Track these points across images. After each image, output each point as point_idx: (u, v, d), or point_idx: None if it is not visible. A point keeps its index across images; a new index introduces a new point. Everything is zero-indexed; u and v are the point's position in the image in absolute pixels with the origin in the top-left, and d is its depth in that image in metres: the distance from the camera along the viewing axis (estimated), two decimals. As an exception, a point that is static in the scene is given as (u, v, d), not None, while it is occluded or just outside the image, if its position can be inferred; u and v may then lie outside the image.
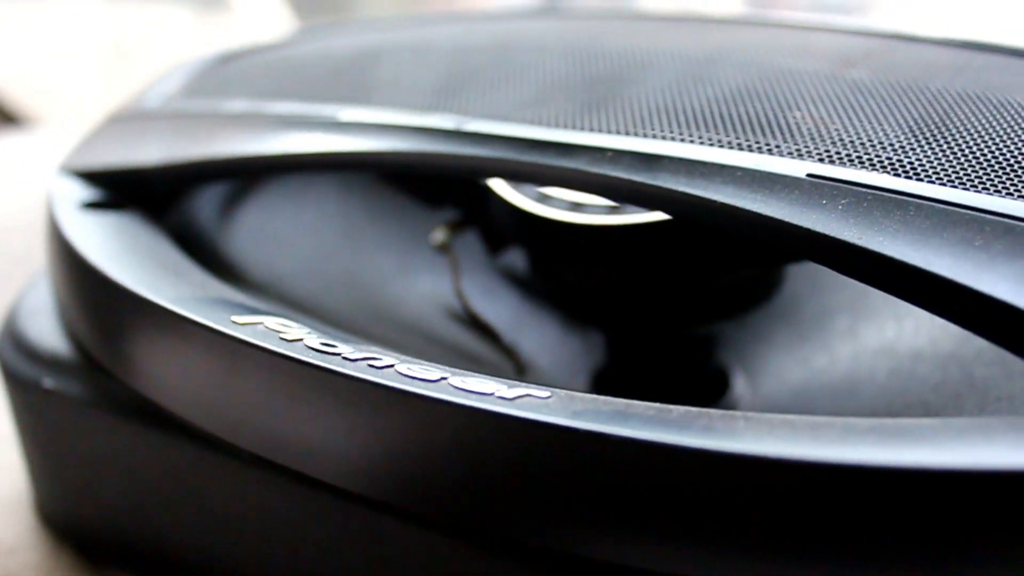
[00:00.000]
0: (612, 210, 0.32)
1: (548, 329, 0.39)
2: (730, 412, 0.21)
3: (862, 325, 0.37)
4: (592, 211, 0.32)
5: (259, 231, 0.41)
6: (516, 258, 0.40)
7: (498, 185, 0.35)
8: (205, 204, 0.40)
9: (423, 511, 0.23)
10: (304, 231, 0.42)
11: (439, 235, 0.38)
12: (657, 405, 0.22)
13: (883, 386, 0.34)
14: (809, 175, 0.25)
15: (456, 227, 0.38)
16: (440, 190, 0.40)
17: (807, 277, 0.38)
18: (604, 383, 0.37)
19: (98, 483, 0.32)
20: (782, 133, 0.27)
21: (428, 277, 0.40)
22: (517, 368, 0.38)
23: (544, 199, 0.33)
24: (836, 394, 0.35)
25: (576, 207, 0.33)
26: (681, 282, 0.33)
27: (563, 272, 0.35)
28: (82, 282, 0.31)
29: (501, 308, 0.39)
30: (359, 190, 0.44)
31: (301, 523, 0.27)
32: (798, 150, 0.27)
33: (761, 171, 0.26)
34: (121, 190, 0.35)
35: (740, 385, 0.37)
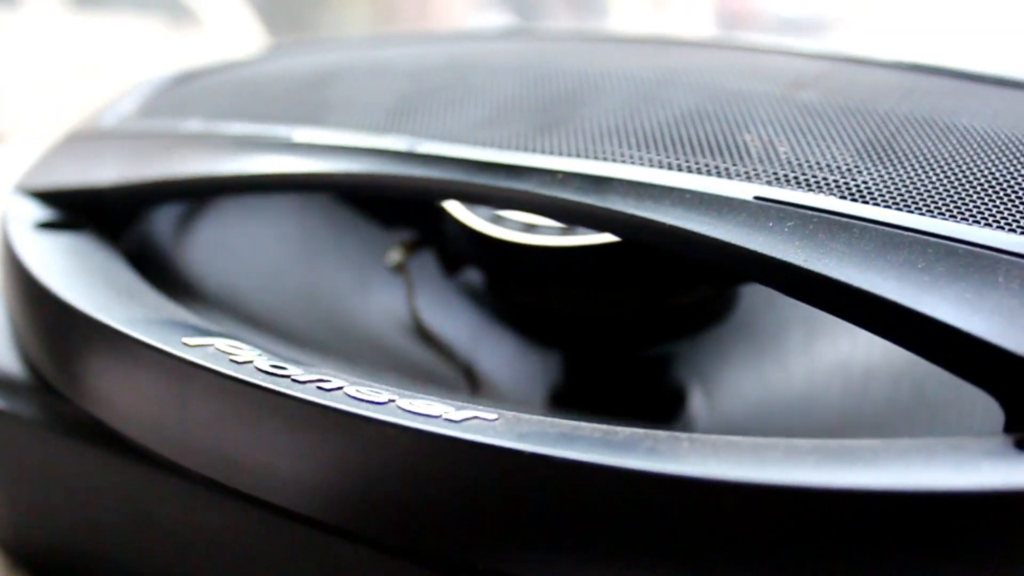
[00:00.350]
0: (565, 231, 0.32)
1: (505, 349, 0.39)
2: (676, 434, 0.22)
3: (817, 342, 0.37)
4: (545, 232, 0.32)
5: (217, 250, 0.41)
6: (474, 277, 0.40)
7: (452, 205, 0.35)
8: (162, 223, 0.40)
9: (373, 534, 0.23)
10: (262, 250, 0.42)
11: (395, 255, 0.38)
12: (604, 427, 0.22)
13: (837, 402, 0.35)
14: (756, 198, 0.26)
15: (412, 247, 0.38)
16: (396, 210, 0.40)
17: (763, 295, 0.38)
18: (562, 402, 0.37)
19: (51, 505, 0.32)
20: (731, 155, 0.28)
21: (386, 296, 0.40)
22: (473, 388, 0.38)
23: (497, 220, 0.33)
24: (792, 411, 0.35)
25: (529, 228, 0.33)
26: (634, 302, 0.33)
27: (517, 292, 0.35)
28: (34, 303, 0.31)
29: (459, 327, 0.39)
30: (317, 209, 0.44)
31: (252, 545, 0.27)
32: (747, 172, 0.27)
33: (709, 194, 0.26)
34: (76, 210, 0.35)
35: (697, 403, 0.37)
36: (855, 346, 0.36)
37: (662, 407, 0.37)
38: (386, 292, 0.40)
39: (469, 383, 0.38)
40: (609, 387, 0.37)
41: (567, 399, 0.37)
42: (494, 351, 0.39)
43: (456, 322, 0.39)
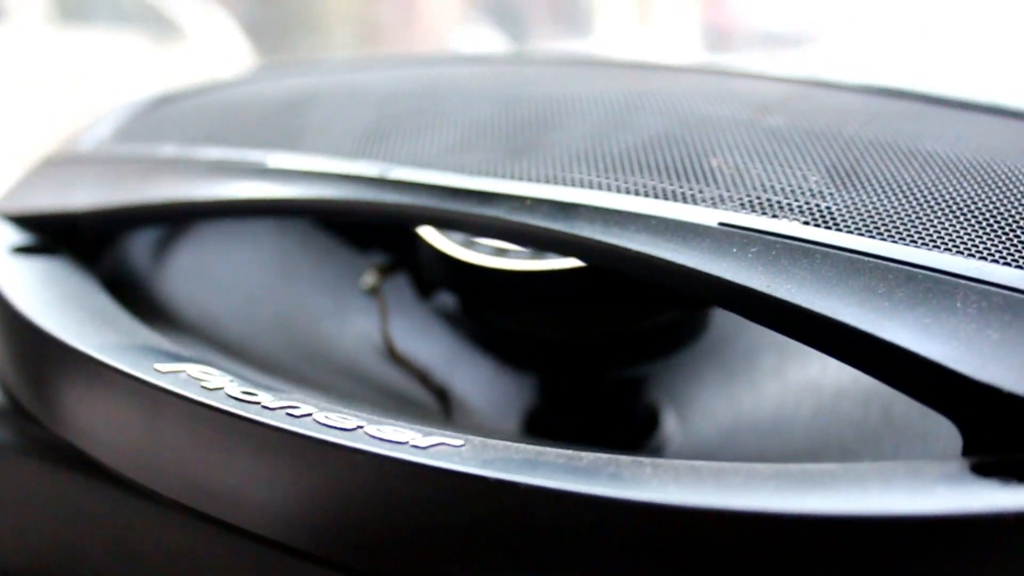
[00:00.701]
0: (536, 255, 0.32)
1: (480, 371, 0.39)
2: (639, 459, 0.22)
3: (788, 364, 0.38)
4: (515, 256, 0.33)
5: (193, 274, 0.41)
6: (448, 300, 0.40)
7: (425, 230, 0.35)
8: (140, 247, 0.40)
9: (341, 558, 0.23)
10: (238, 273, 0.43)
11: (369, 278, 0.38)
12: (569, 452, 0.22)
13: (807, 424, 0.35)
14: (721, 224, 0.26)
15: (386, 271, 0.38)
16: (371, 234, 0.40)
17: (734, 318, 0.39)
18: (536, 425, 0.37)
19: (27, 529, 0.32)
20: (697, 180, 0.28)
21: (362, 319, 0.40)
22: (446, 410, 0.38)
23: (469, 244, 0.34)
24: (763, 432, 0.36)
25: (500, 252, 0.33)
26: (605, 324, 0.33)
27: (489, 315, 0.35)
28: (9, 328, 0.31)
29: (434, 350, 0.39)
30: (293, 233, 0.44)
31: (223, 570, 0.27)
32: (712, 198, 0.27)
33: (674, 220, 0.26)
34: (52, 234, 0.35)
35: (670, 425, 0.37)
36: (825, 369, 0.36)
37: (635, 429, 0.37)
38: (361, 317, 0.40)
39: (443, 407, 0.38)
40: (583, 409, 0.37)
41: (541, 422, 0.37)
42: (468, 375, 0.39)
43: (431, 346, 0.40)
